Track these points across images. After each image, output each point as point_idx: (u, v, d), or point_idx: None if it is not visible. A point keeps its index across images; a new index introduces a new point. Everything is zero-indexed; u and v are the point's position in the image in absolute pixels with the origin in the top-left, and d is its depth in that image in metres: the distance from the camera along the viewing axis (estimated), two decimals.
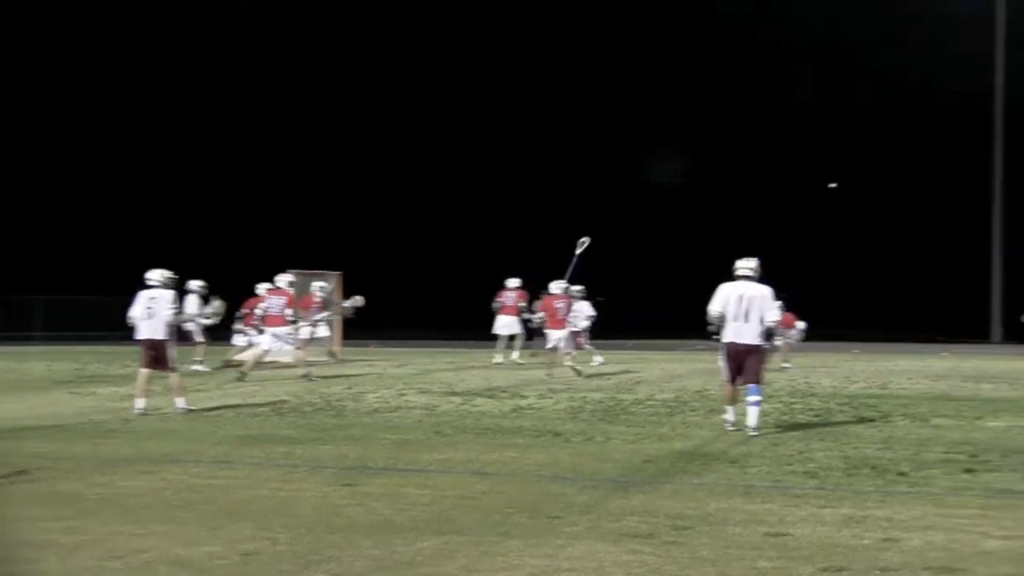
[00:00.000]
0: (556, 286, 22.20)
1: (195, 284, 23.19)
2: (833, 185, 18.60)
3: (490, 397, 16.83)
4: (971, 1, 45.84)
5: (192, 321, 21.22)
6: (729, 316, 12.50)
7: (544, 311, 22.06)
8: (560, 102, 58.59)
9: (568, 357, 21.49)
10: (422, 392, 17.74)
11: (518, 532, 7.17)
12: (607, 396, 16.94)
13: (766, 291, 12.56)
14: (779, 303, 24.45)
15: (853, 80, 54.08)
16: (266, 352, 20.86)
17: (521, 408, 15.20)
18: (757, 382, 12.43)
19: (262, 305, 21.86)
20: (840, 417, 13.91)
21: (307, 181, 59.42)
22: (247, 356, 22.91)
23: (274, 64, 57.68)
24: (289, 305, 21.34)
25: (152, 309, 14.58)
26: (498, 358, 26.36)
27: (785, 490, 8.64)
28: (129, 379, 20.91)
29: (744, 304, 12.44)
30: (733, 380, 12.65)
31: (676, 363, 26.91)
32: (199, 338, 23.49)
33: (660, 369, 24.09)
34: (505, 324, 26.81)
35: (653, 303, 55.82)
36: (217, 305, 18.36)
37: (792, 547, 6.72)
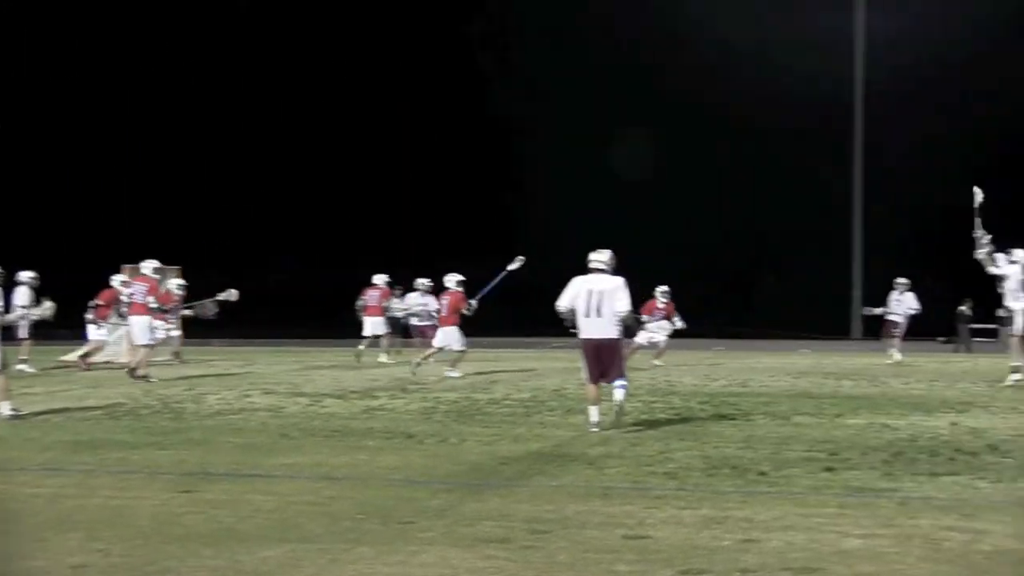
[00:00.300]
0: (451, 280, 22.31)
1: (25, 275, 22.56)
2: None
3: (339, 398, 16.72)
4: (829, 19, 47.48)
5: (22, 318, 20.72)
6: (580, 311, 12.66)
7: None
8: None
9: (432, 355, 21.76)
10: (267, 393, 17.55)
11: (369, 539, 7.14)
12: (462, 396, 16.97)
13: (617, 282, 12.70)
14: (665, 290, 25.08)
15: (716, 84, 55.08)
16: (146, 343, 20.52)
17: (372, 409, 15.14)
18: (620, 375, 12.70)
19: (128, 292, 21.53)
20: (701, 416, 14.15)
21: (163, 174, 57.88)
22: (88, 350, 22.64)
23: None
24: (151, 293, 20.98)
25: None
26: (383, 358, 26.52)
27: (645, 491, 8.75)
28: None
29: (595, 298, 12.59)
30: (596, 379, 12.77)
31: (533, 361, 27.08)
32: (23, 334, 22.84)
33: (517, 368, 24.22)
34: (371, 324, 27.05)
35: (508, 299, 55.87)
36: (48, 306, 17.91)
37: (651, 550, 6.82)
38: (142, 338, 20.61)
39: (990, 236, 19.53)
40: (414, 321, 27.87)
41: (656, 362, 24.80)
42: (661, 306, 25.60)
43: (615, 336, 12.72)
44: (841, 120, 49.14)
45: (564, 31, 57.27)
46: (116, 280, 24.57)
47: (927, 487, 8.92)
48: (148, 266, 21.72)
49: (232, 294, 25.28)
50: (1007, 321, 20.85)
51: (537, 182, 56.29)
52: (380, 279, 27.27)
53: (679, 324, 25.87)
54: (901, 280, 27.54)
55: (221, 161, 57.93)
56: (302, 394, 17.39)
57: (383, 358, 26.30)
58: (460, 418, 14.03)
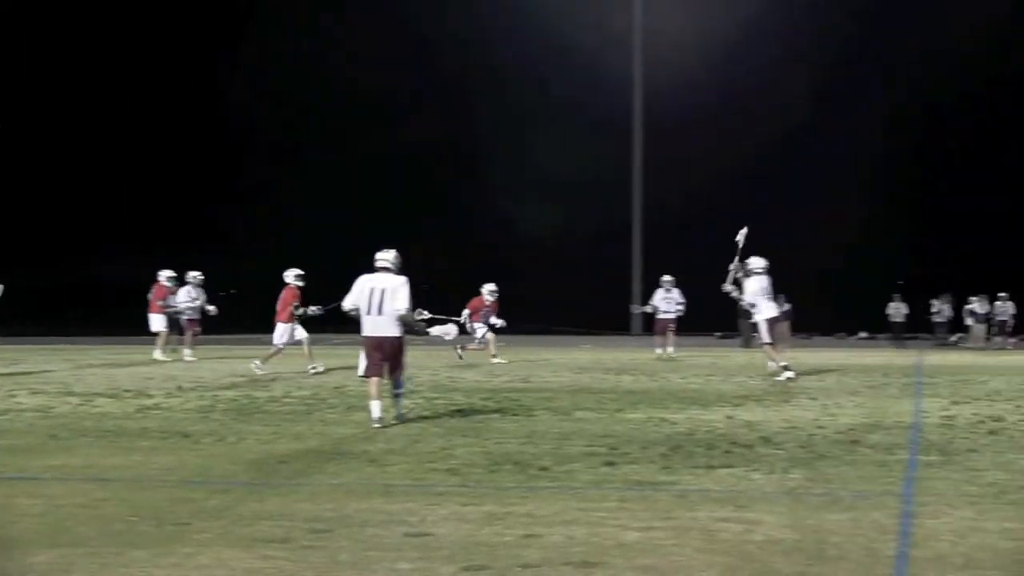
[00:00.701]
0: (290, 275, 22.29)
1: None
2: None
3: (112, 397, 16.27)
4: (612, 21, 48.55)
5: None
6: (363, 309, 12.98)
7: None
8: None
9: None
10: (35, 393, 16.94)
11: (143, 541, 6.96)
12: (241, 394, 16.71)
13: (400, 281, 13.02)
14: (493, 289, 25.20)
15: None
16: None
17: (147, 408, 14.77)
18: (399, 373, 13.26)
19: None
20: (483, 412, 14.25)
21: None
22: None
23: None
24: None
25: None
26: (158, 354, 26.21)
27: (426, 488, 8.76)
28: None
29: (377, 295, 12.94)
30: (377, 374, 13.04)
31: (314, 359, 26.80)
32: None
33: (297, 365, 23.97)
34: (153, 320, 26.93)
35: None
36: None
37: (433, 547, 6.83)
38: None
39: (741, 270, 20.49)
40: (185, 316, 27.37)
41: (497, 359, 24.95)
42: (488, 303, 25.78)
43: (397, 334, 13.05)
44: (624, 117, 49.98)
45: None
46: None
47: (704, 480, 9.18)
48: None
49: None
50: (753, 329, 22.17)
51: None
52: (163, 275, 26.89)
53: (499, 323, 26.11)
54: (666, 278, 28.43)
55: None
56: (73, 393, 16.86)
57: (157, 355, 25.87)
58: (239, 416, 13.81)
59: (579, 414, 14.00)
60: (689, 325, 29.78)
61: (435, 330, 18.44)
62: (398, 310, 12.90)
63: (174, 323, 27.22)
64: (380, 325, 12.95)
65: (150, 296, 26.94)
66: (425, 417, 13.68)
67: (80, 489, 8.80)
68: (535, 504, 8.08)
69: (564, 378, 20.33)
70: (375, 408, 12.84)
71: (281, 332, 21.82)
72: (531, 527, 7.34)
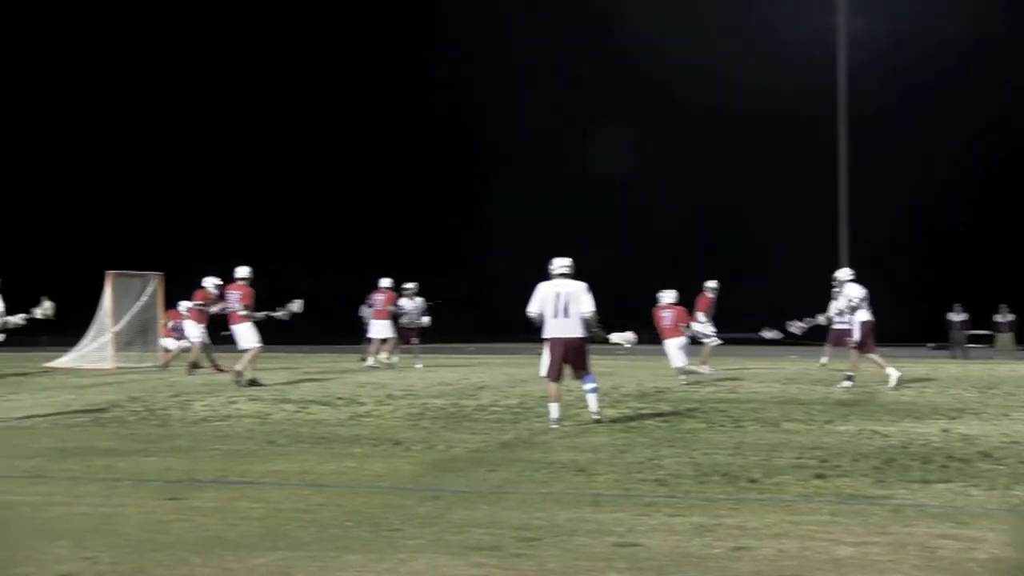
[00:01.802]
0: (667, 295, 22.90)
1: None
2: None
3: (326, 404, 16.72)
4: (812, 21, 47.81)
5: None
6: (548, 313, 13.90)
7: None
8: None
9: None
10: (253, 400, 17.53)
11: (357, 546, 7.15)
12: (449, 402, 16.97)
13: (581, 285, 13.99)
14: (715, 287, 24.90)
15: None
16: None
17: (359, 416, 15.14)
18: (588, 371, 14.12)
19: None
20: (690, 423, 14.16)
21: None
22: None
23: None
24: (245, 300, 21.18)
25: None
26: (370, 361, 27.23)
27: (635, 499, 8.77)
28: None
29: (563, 300, 13.89)
30: (558, 376, 14.02)
31: (519, 367, 27.07)
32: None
33: (503, 374, 24.23)
34: (377, 327, 27.52)
35: (490, 304, 56.98)
36: (47, 305, 17.96)
37: (642, 557, 6.83)
38: (247, 342, 20.81)
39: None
40: (410, 323, 28.00)
41: (700, 368, 24.59)
42: (710, 300, 25.27)
43: (582, 335, 14.02)
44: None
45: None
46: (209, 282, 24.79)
47: (920, 494, 8.95)
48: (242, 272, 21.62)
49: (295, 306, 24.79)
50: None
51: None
52: (385, 282, 27.58)
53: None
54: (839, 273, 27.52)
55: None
56: (288, 400, 17.38)
57: (378, 359, 26.55)
58: (448, 424, 14.04)
59: (788, 425, 13.80)
60: (898, 335, 28.97)
61: (615, 337, 18.39)
62: (584, 312, 13.90)
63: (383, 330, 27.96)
64: (566, 327, 13.90)
65: (373, 304, 27.39)
66: (632, 427, 13.68)
67: (297, 494, 9.08)
68: (745, 516, 8.02)
69: (771, 389, 20.05)
70: (554, 410, 13.89)
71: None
72: (741, 539, 7.28)
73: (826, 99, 43.10)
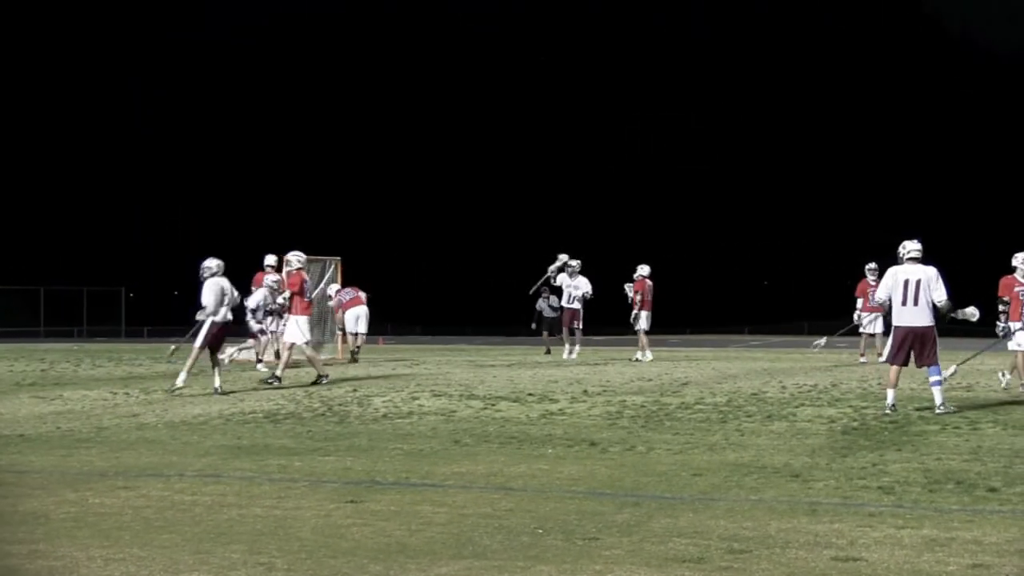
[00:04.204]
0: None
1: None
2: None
3: (515, 401, 16.83)
4: None
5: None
6: (897, 300, 14.53)
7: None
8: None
9: None
10: (437, 395, 17.76)
11: (549, 556, 7.18)
12: (649, 400, 16.91)
13: (932, 272, 14.53)
14: (874, 268, 24.48)
15: None
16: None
17: (551, 413, 15.21)
18: (934, 363, 14.70)
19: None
20: (920, 424, 13.85)
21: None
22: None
23: None
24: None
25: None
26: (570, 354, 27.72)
27: (856, 508, 8.62)
28: (101, 381, 21.06)
29: (911, 287, 14.47)
30: (902, 363, 14.78)
31: (728, 361, 26.87)
32: None
33: (710, 369, 24.05)
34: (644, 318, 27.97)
35: (700, 293, 57.36)
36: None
37: (865, 573, 6.71)
38: (300, 337, 20.89)
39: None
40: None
41: (864, 359, 24.45)
42: (874, 284, 24.96)
43: (930, 323, 14.67)
44: None
45: None
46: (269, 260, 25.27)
47: None
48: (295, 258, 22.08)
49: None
50: None
51: None
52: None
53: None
54: None
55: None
56: (475, 396, 17.55)
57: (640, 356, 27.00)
58: (648, 424, 14.01)
59: None
60: None
61: (959, 313, 17.88)
62: (937, 300, 14.53)
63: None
64: (915, 316, 14.57)
65: (635, 293, 27.45)
66: (853, 429, 13.44)
67: (484, 498, 9.16)
68: (983, 530, 7.80)
69: (1014, 387, 19.43)
70: (890, 395, 14.88)
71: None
72: (978, 556, 7.09)
73: None
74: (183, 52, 71.16)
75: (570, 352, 27.40)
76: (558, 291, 28.62)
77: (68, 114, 71.69)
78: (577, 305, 27.61)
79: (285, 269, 21.11)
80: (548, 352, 29.92)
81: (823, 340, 27.92)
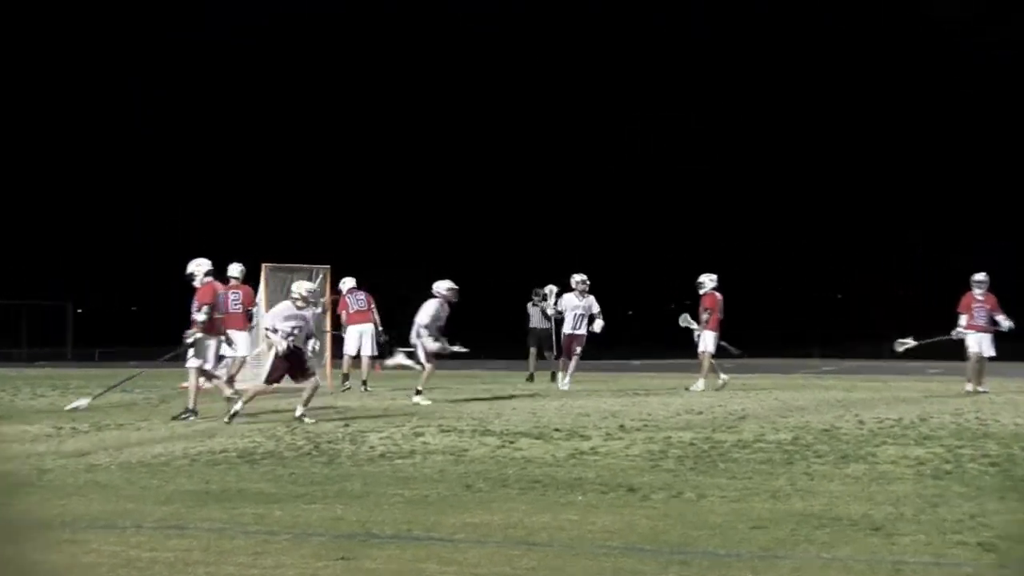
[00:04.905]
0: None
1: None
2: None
3: (539, 438, 16.78)
4: None
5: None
6: None
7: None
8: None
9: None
10: (445, 431, 17.71)
11: None
12: (699, 436, 16.85)
13: None
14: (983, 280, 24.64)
15: None
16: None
17: (581, 453, 15.16)
18: None
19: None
20: None
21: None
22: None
23: None
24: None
25: None
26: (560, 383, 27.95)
27: (951, 569, 8.60)
28: (43, 413, 21.09)
29: None
30: None
31: (794, 390, 26.80)
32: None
33: (773, 399, 24.00)
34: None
35: (758, 309, 58.06)
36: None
37: None
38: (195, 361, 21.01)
39: None
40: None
41: (971, 387, 24.34)
42: (980, 298, 24.81)
43: None
44: None
45: None
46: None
47: None
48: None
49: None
50: None
51: None
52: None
53: (1006, 324, 25.14)
54: None
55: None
56: (490, 432, 17.51)
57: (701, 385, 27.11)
58: (698, 466, 13.95)
59: None
60: None
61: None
62: None
63: None
64: None
65: (705, 310, 27.43)
66: (946, 472, 13.39)
67: (501, 554, 9.14)
68: None
69: None
70: None
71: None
72: None
73: None
74: (183, 52, 77.96)
75: (563, 379, 27.38)
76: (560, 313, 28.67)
77: (68, 114, 77.66)
78: (584, 331, 27.65)
79: (195, 281, 20.96)
80: (531, 378, 30.20)
81: (910, 341, 27.60)
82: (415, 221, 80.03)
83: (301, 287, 20.91)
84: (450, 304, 23.36)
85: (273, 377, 19.13)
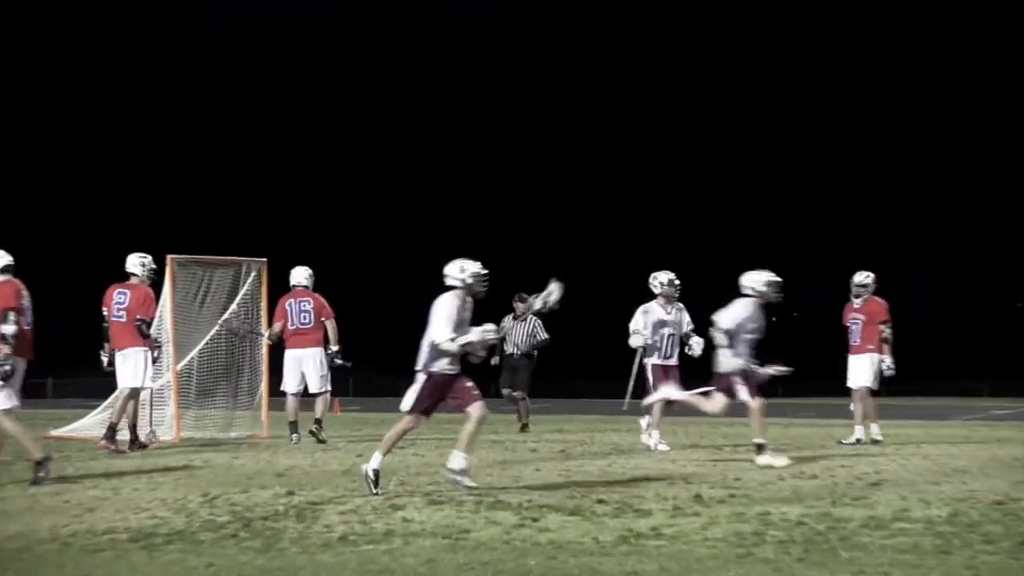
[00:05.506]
0: None
1: None
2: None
3: (574, 513, 16.67)
4: None
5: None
6: None
7: None
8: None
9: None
10: (435, 502, 17.61)
11: None
12: (813, 512, 16.77)
13: None
14: None
15: None
16: None
17: (638, 536, 15.05)
18: None
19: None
20: None
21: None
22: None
23: None
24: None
25: None
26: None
27: None
28: None
29: None
30: None
31: (951, 445, 26.83)
32: None
33: (920, 457, 23.98)
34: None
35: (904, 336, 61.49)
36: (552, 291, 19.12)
37: None
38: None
39: None
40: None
41: None
42: None
43: None
44: None
45: None
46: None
47: None
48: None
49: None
50: None
51: None
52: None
53: None
54: None
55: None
56: (502, 503, 17.42)
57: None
58: (809, 555, 13.84)
59: None
60: None
61: None
62: None
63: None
64: None
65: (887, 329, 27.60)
66: None
67: None
68: None
69: None
70: None
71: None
72: None
73: None
74: (183, 52, 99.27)
75: (652, 434, 26.69)
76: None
77: (68, 114, 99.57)
78: (676, 359, 27.31)
79: None
80: (525, 427, 31.50)
81: None
82: (415, 221, 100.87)
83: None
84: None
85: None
